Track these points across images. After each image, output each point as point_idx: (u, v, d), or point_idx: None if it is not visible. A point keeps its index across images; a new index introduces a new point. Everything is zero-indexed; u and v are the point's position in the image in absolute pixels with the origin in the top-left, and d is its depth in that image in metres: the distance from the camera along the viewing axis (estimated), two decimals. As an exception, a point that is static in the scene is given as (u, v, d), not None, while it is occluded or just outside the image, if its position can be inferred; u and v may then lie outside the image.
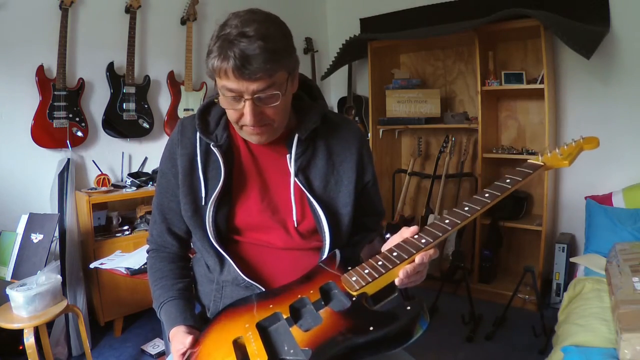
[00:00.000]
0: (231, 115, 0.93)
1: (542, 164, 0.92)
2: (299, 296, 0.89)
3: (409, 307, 0.77)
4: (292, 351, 0.78)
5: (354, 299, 0.82)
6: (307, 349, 0.76)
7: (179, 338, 0.92)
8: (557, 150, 0.93)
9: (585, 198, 2.68)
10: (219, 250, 1.00)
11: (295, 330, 0.81)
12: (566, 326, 1.75)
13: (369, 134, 3.37)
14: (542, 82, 2.63)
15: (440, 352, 2.28)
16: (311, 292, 0.89)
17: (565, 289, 2.32)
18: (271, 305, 0.89)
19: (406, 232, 0.88)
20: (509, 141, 3.11)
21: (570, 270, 2.65)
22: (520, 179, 0.89)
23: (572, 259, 2.51)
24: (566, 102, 2.89)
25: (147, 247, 1.10)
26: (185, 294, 1.03)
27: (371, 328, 0.75)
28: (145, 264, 1.07)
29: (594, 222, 2.53)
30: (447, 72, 3.35)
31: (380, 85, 3.35)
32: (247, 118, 0.89)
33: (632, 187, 2.54)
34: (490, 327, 2.45)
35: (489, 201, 0.88)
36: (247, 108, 0.88)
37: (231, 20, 0.87)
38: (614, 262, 1.94)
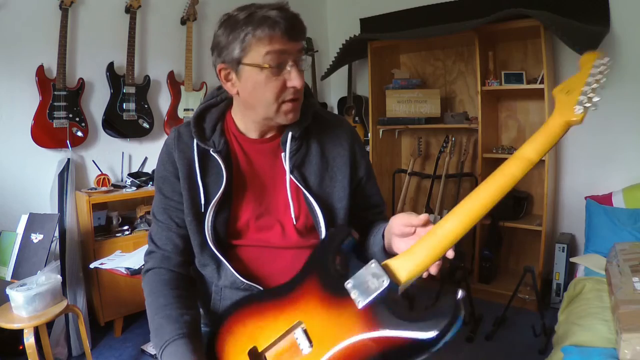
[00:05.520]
0: (271, 90, 0.91)
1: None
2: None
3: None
4: None
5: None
6: None
7: None
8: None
9: (585, 198, 2.68)
10: (216, 255, 0.99)
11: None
12: (566, 326, 1.75)
13: (369, 134, 3.37)
14: (542, 82, 2.63)
15: (440, 352, 2.28)
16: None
17: (565, 289, 2.32)
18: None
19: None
20: (509, 141, 3.11)
21: (570, 270, 2.65)
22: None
23: (572, 259, 2.51)
24: (566, 102, 2.89)
25: (147, 246, 1.09)
26: (193, 328, 0.94)
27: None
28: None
29: (594, 222, 2.53)
30: (447, 72, 3.35)
31: (380, 85, 3.35)
32: (296, 82, 0.91)
33: (632, 187, 2.54)
34: (490, 327, 2.45)
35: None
36: (294, 72, 0.91)
37: (242, 8, 0.92)
38: (614, 262, 1.94)
